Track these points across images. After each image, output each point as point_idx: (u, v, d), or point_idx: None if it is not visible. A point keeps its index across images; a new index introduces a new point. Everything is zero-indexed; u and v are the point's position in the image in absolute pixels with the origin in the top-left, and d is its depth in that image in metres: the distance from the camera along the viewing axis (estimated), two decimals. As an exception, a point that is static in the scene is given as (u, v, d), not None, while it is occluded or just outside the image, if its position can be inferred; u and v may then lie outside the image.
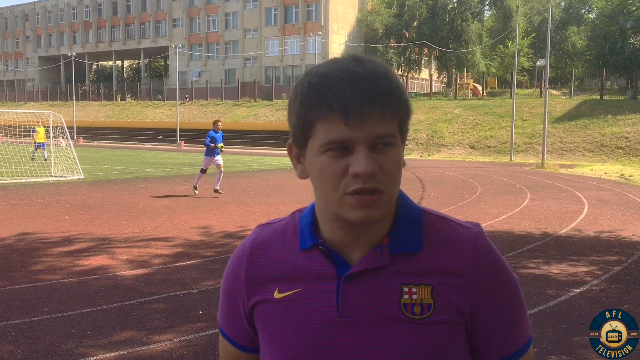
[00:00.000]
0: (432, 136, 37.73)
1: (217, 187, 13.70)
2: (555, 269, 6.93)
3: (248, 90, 54.65)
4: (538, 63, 50.93)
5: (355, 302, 0.97)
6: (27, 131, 25.16)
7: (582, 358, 4.24)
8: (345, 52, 48.30)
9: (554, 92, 43.81)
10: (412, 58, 56.56)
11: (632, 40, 35.07)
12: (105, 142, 48.49)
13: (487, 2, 56.41)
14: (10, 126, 27.37)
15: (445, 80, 57.88)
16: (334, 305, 0.97)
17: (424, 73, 60.36)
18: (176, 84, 51.16)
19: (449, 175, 21.16)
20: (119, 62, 77.38)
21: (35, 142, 25.02)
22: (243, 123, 47.26)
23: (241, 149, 40.54)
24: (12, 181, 16.84)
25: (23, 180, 17.17)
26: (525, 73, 56.13)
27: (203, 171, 13.92)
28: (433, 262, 0.98)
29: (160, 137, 48.75)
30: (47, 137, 22.83)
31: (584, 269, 6.99)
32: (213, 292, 5.83)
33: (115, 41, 71.94)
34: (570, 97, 40.41)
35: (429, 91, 50.27)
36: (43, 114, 23.72)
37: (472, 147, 35.55)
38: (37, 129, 24.93)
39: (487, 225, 10.01)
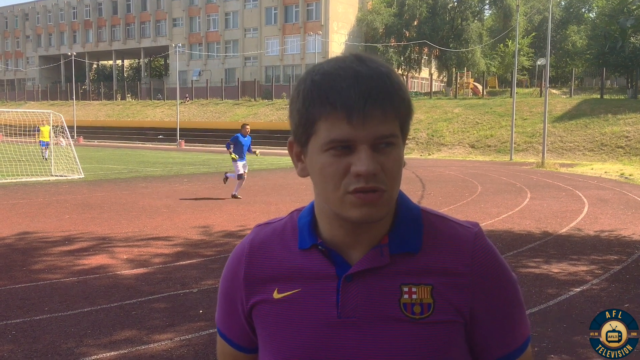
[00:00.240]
0: (432, 135, 37.72)
1: (236, 192, 13.24)
2: (556, 268, 6.93)
3: (248, 90, 54.64)
4: (538, 62, 50.89)
5: (355, 302, 0.97)
6: (27, 130, 25.16)
7: (582, 357, 4.24)
8: (346, 52, 48.31)
9: (554, 91, 43.79)
10: (412, 57, 56.56)
11: (632, 39, 34.98)
12: (105, 142, 48.48)
13: (487, 2, 56.42)
14: (10, 125, 27.38)
15: (445, 79, 57.88)
16: (334, 305, 0.97)
17: (424, 72, 60.35)
18: (176, 84, 51.14)
19: (449, 174, 21.16)
20: (119, 62, 77.37)
21: (40, 142, 24.95)
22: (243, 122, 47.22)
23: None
24: (13, 180, 16.84)
25: (23, 180, 17.18)
26: (525, 72, 56.10)
27: (240, 176, 13.07)
28: (433, 261, 0.98)
29: (160, 136, 48.73)
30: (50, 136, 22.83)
31: (584, 268, 6.99)
32: (213, 291, 5.83)
33: (116, 40, 71.93)
34: (571, 96, 40.38)
35: (429, 90, 50.22)
36: (43, 113, 23.72)
37: (472, 147, 35.54)
38: (41, 128, 24.91)
39: (487, 224, 10.01)
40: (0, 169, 18.91)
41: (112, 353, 4.26)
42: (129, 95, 66.36)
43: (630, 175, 20.76)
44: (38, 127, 25.10)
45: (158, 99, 61.00)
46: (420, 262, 0.98)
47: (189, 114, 52.50)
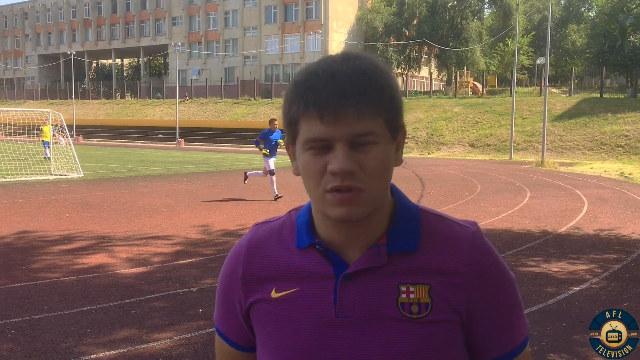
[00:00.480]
0: (432, 134, 37.73)
1: (277, 192, 12.82)
2: (555, 267, 6.93)
3: (248, 89, 54.62)
4: (538, 61, 50.86)
5: (353, 301, 0.97)
6: (26, 129, 25.15)
7: (581, 356, 4.24)
8: (345, 50, 48.15)
9: (553, 90, 43.77)
10: (412, 56, 56.55)
11: (631, 38, 35.02)
12: (104, 141, 48.48)
13: (486, 0, 56.43)
14: (10, 124, 27.38)
15: (445, 78, 57.87)
16: (332, 304, 0.97)
17: (424, 71, 60.36)
18: (176, 82, 51.11)
19: (448, 173, 21.16)
20: (118, 61, 77.33)
21: (43, 141, 24.94)
22: (243, 121, 47.26)
23: (241, 147, 40.54)
24: (12, 179, 16.84)
25: (23, 179, 17.17)
26: (525, 71, 56.10)
27: (272, 173, 12.62)
28: (430, 261, 0.98)
29: (159, 135, 48.72)
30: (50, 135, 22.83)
31: (584, 267, 6.99)
32: (213, 290, 5.83)
33: (115, 39, 71.88)
34: (570, 95, 40.38)
35: (428, 89, 50.23)
36: (43, 112, 23.71)
37: (472, 146, 35.55)
38: (42, 127, 24.90)
39: (486, 223, 10.01)
40: (-1, 168, 18.92)
41: (112, 352, 4.25)
42: (128, 94, 66.33)
43: (629, 174, 20.77)
44: (40, 127, 25.10)
45: (157, 98, 60.99)
46: (418, 262, 0.98)
47: (189, 113, 52.49)
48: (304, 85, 0.92)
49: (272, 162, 12.64)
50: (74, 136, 41.65)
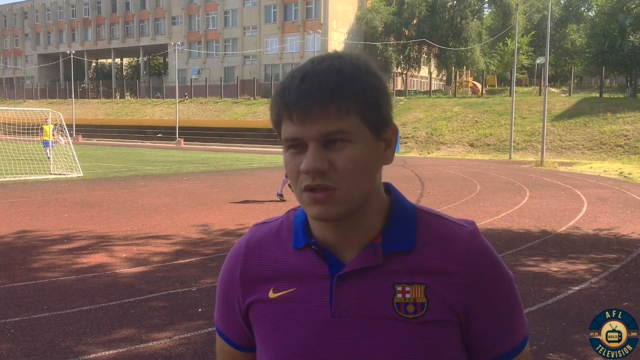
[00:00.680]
0: (432, 134, 37.73)
1: (282, 192, 12.64)
2: (554, 267, 6.93)
3: (247, 88, 54.61)
4: (537, 61, 50.90)
5: (349, 301, 0.96)
6: (26, 129, 25.14)
7: (581, 356, 4.24)
8: (345, 50, 48.16)
9: (553, 90, 43.78)
10: (412, 56, 56.54)
11: (631, 37, 34.99)
12: (104, 140, 48.47)
13: (486, 0, 56.38)
14: (9, 124, 27.35)
15: (444, 78, 57.86)
16: (328, 304, 0.97)
17: (424, 71, 60.33)
18: (175, 82, 51.07)
19: (448, 173, 21.16)
20: (118, 60, 77.29)
21: (44, 141, 24.89)
22: (242, 121, 47.26)
23: (241, 146, 40.55)
24: (11, 179, 16.83)
25: (22, 178, 17.16)
26: (524, 71, 56.10)
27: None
28: (427, 260, 0.98)
29: (159, 134, 48.71)
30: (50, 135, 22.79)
31: (583, 266, 7.00)
32: (212, 290, 5.83)
33: (114, 39, 71.84)
34: (570, 95, 40.38)
35: (428, 89, 50.22)
36: (42, 111, 23.69)
37: (472, 145, 35.55)
38: (43, 127, 24.88)
39: (486, 223, 10.01)
40: (-1, 168, 18.91)
41: (111, 351, 4.25)
42: (127, 93, 66.30)
43: (629, 173, 20.78)
44: (42, 127, 25.08)
45: (157, 98, 60.98)
46: (413, 261, 0.97)
47: (188, 112, 52.48)
48: (280, 86, 0.94)
49: None
50: (74, 136, 41.62)
